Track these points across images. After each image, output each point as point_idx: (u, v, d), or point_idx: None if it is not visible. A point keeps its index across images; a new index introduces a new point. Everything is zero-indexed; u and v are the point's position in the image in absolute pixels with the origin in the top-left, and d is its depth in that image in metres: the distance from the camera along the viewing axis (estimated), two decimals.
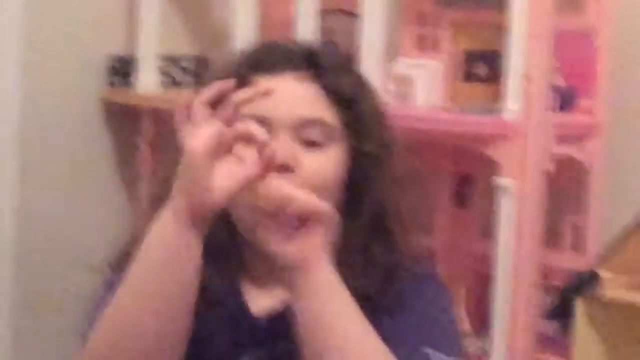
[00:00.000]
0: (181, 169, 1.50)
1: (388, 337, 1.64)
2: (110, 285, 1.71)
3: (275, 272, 1.68)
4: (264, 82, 1.70)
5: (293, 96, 1.71)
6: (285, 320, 1.67)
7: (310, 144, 1.69)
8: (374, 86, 1.80)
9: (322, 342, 1.58)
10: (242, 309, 1.75)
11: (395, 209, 1.75)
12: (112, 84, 3.20)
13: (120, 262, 1.72)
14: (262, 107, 1.68)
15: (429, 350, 1.70)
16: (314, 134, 1.70)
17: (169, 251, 1.55)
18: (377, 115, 1.76)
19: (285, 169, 1.65)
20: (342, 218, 1.69)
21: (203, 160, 1.48)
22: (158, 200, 1.71)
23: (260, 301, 1.75)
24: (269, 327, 1.72)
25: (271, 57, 1.74)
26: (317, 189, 1.66)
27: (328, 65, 1.73)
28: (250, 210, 1.63)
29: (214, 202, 1.51)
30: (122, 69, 3.19)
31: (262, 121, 1.66)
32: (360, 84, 1.77)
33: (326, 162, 1.70)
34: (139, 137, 3.18)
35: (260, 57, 1.74)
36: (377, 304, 1.70)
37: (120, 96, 3.18)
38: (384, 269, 1.73)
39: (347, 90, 1.73)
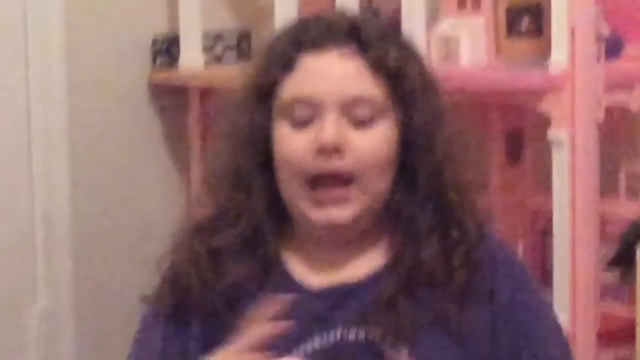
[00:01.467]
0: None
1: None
2: (147, 328, 1.75)
3: (319, 244, 1.71)
4: (310, 62, 1.69)
5: (339, 74, 1.69)
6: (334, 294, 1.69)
7: (360, 123, 1.68)
8: (421, 52, 1.76)
9: None
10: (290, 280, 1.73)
11: (454, 181, 1.72)
12: (157, 64, 3.19)
13: (159, 296, 1.73)
14: (309, 87, 1.68)
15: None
16: (362, 112, 1.68)
17: None
18: (426, 84, 1.74)
19: (335, 151, 1.65)
20: (401, 195, 1.70)
21: None
22: (211, 179, 1.77)
23: (307, 274, 1.74)
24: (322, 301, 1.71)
25: (314, 33, 1.72)
26: (369, 168, 1.66)
27: (372, 38, 1.71)
28: (292, 183, 1.66)
29: None
30: (166, 48, 3.20)
31: (310, 102, 1.66)
32: (406, 54, 1.74)
33: (376, 140, 1.68)
34: (186, 114, 3.18)
35: (303, 35, 1.72)
36: (466, 292, 1.68)
37: (166, 76, 3.18)
38: (464, 250, 1.70)
39: (393, 63, 1.70)
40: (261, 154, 1.71)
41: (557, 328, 1.76)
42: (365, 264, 1.73)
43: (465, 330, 1.66)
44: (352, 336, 1.67)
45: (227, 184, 1.73)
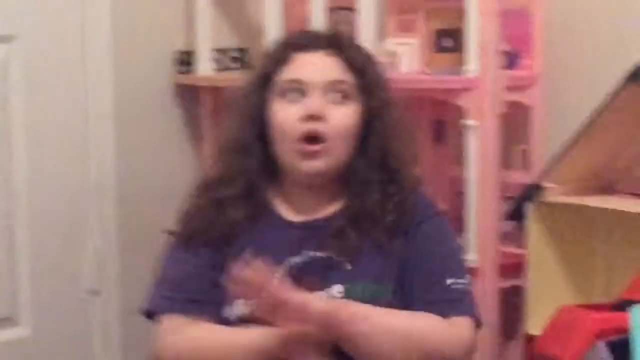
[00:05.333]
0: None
1: (414, 265, 1.69)
2: (169, 252, 1.77)
3: (303, 191, 1.73)
4: (301, 57, 1.73)
5: (322, 65, 1.74)
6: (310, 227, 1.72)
7: (336, 101, 1.72)
8: (379, 60, 1.84)
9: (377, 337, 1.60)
10: (279, 217, 1.76)
11: (395, 152, 1.77)
12: (179, 71, 3.19)
13: (185, 237, 1.75)
14: (300, 72, 1.72)
15: (450, 280, 1.71)
16: (339, 90, 1.72)
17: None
18: (381, 81, 1.79)
19: (318, 117, 1.69)
20: (358, 158, 1.74)
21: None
22: (219, 152, 1.80)
23: (289, 214, 1.77)
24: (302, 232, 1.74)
25: (305, 40, 1.77)
26: (341, 134, 1.71)
27: (345, 45, 1.77)
28: (284, 143, 1.69)
29: None
30: (185, 60, 3.19)
31: (300, 83, 1.70)
32: (368, 58, 1.80)
33: (348, 114, 1.73)
34: (201, 109, 3.18)
35: (296, 40, 1.78)
36: (395, 228, 1.72)
37: (186, 80, 3.18)
38: (397, 200, 1.73)
39: (359, 63, 1.76)
40: (258, 128, 1.74)
41: (454, 250, 1.78)
42: (329, 207, 1.77)
43: (393, 252, 1.70)
44: (318, 255, 1.71)
45: (231, 151, 1.76)
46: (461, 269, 1.75)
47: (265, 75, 1.74)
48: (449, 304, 1.68)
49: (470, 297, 1.72)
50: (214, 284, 1.68)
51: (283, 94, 1.72)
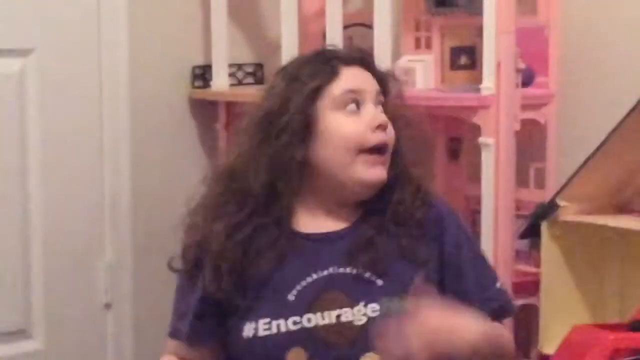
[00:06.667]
0: None
1: (458, 273, 1.70)
2: (182, 291, 1.75)
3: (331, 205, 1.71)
4: (348, 70, 1.72)
5: (367, 77, 1.73)
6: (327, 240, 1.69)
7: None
8: (398, 78, 1.85)
9: None
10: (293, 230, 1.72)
11: (414, 161, 1.77)
12: (195, 85, 3.19)
13: (189, 267, 1.73)
14: (357, 83, 1.71)
15: (499, 284, 1.75)
16: (380, 101, 1.73)
17: None
18: (401, 97, 1.80)
19: (384, 127, 1.70)
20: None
21: None
22: (228, 171, 1.75)
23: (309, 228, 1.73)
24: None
25: (348, 54, 1.76)
26: (392, 141, 1.72)
27: (371, 61, 1.77)
28: (346, 155, 1.66)
29: None
30: (202, 75, 3.19)
31: (357, 93, 1.70)
32: (390, 74, 1.81)
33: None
34: (216, 122, 3.18)
35: (340, 54, 1.76)
36: (423, 229, 1.71)
37: (202, 94, 3.18)
38: (418, 202, 1.73)
39: (385, 77, 1.77)
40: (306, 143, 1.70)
41: (482, 255, 1.81)
42: (348, 218, 1.74)
43: (421, 259, 1.69)
44: (346, 271, 1.68)
45: (269, 173, 1.70)
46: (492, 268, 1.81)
47: (316, 88, 1.71)
48: (503, 308, 1.75)
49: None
50: (227, 306, 1.68)
51: (341, 105, 1.70)
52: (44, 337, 2.88)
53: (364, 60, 1.76)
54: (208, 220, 1.71)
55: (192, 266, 1.72)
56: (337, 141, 1.67)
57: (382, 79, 1.76)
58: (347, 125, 1.68)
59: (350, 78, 1.71)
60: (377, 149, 1.68)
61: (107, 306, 3.00)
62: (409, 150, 1.76)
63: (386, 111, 1.73)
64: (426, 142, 1.88)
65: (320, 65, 1.72)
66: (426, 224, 1.71)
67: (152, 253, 2.95)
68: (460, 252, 1.72)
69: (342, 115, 1.68)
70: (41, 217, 2.85)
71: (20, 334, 2.84)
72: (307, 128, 1.68)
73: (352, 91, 1.69)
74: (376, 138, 1.68)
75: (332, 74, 1.71)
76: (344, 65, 1.72)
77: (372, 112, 1.69)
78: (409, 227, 1.70)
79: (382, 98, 1.73)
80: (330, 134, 1.68)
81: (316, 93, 1.69)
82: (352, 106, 1.69)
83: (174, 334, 1.75)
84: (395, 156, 1.73)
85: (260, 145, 1.70)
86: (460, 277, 1.71)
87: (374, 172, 1.67)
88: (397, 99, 1.78)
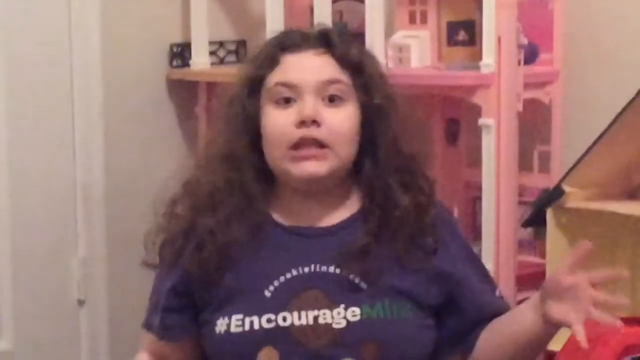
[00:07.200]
0: None
1: (459, 284, 1.71)
2: (159, 283, 1.76)
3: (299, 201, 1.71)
4: (291, 58, 1.70)
5: (313, 65, 1.70)
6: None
7: (331, 103, 1.68)
8: (375, 54, 1.80)
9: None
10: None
11: (407, 150, 1.72)
12: (173, 64, 3.17)
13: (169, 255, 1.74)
14: (291, 75, 1.69)
15: (497, 291, 1.80)
16: (333, 90, 1.68)
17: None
18: (380, 76, 1.75)
19: (313, 123, 1.65)
20: (366, 161, 1.70)
21: None
22: (213, 155, 1.75)
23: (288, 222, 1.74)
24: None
25: (294, 39, 1.73)
26: (339, 137, 1.67)
27: (336, 41, 1.72)
28: (277, 150, 1.66)
29: None
30: (180, 52, 3.17)
31: (291, 87, 1.67)
32: (364, 53, 1.76)
33: (344, 116, 1.69)
34: (195, 104, 3.16)
35: (285, 40, 1.74)
36: (421, 235, 1.71)
37: (180, 74, 3.16)
38: (417, 204, 1.71)
39: (354, 59, 1.72)
40: (251, 136, 1.71)
41: (480, 264, 1.84)
42: (336, 214, 1.72)
43: (414, 266, 1.68)
44: (328, 270, 1.67)
45: (223, 165, 1.71)
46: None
47: (255, 79, 1.73)
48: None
49: None
50: (200, 301, 1.70)
51: (274, 99, 1.70)
52: (13, 336, 2.88)
53: (322, 42, 1.73)
54: (199, 209, 1.72)
55: (174, 256, 1.73)
56: (267, 136, 1.70)
57: (349, 60, 1.72)
58: (275, 120, 1.69)
59: (287, 69, 1.70)
60: (303, 144, 1.67)
61: (81, 302, 3.00)
62: (404, 138, 1.73)
63: (365, 94, 1.71)
64: (420, 125, 1.84)
65: (264, 53, 1.73)
66: (425, 230, 1.72)
67: (128, 246, 2.93)
68: (457, 262, 1.74)
69: (273, 108, 1.70)
70: (7, 209, 2.84)
71: None
72: (249, 121, 1.71)
73: (282, 84, 1.69)
74: (300, 133, 1.66)
75: (272, 64, 1.71)
76: (289, 54, 1.71)
77: (301, 106, 1.67)
78: (406, 233, 1.70)
79: (341, 86, 1.70)
80: (264, 128, 1.70)
81: (259, 84, 1.72)
82: (285, 96, 1.69)
83: (146, 326, 1.78)
84: (382, 145, 1.70)
85: (220, 142, 1.74)
86: (458, 286, 1.72)
87: (303, 167, 1.67)
88: (379, 78, 1.74)
